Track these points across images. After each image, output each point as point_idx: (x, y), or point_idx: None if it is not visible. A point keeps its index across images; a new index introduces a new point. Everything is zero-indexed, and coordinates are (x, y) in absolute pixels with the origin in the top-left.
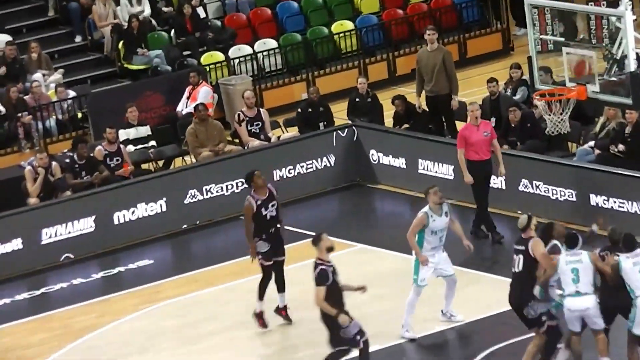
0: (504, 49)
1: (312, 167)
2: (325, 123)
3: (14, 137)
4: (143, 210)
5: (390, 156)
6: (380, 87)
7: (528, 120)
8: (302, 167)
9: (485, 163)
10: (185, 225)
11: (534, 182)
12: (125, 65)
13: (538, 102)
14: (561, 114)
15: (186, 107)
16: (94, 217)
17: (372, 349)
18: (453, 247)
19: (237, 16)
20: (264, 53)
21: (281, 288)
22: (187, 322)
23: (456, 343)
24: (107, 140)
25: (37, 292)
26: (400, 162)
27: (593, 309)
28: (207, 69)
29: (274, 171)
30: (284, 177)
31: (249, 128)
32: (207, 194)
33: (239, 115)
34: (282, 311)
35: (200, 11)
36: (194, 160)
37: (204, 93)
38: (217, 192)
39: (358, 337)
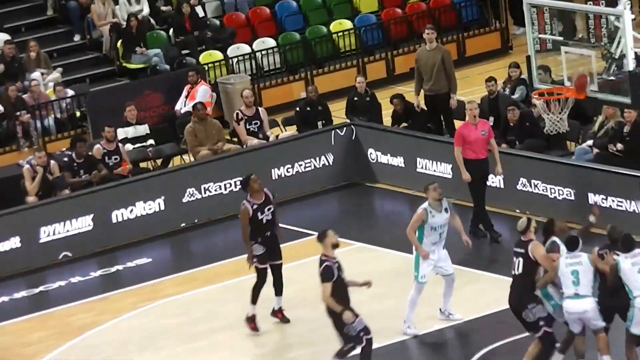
0: (502, 48)
1: (310, 166)
2: (323, 122)
3: (12, 136)
4: (141, 208)
5: (389, 155)
6: (379, 86)
7: (527, 120)
8: (300, 166)
9: (482, 162)
10: (183, 224)
11: (533, 181)
12: (124, 64)
13: (537, 101)
14: (560, 113)
15: (185, 106)
16: (92, 215)
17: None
18: (452, 246)
19: (236, 15)
20: (263, 52)
21: (279, 291)
22: (186, 321)
23: (455, 342)
24: (106, 139)
25: (36, 291)
26: (398, 161)
27: (591, 311)
28: (206, 68)
29: (273, 170)
30: (283, 176)
31: (248, 127)
32: (205, 193)
33: (237, 114)
34: (278, 313)
35: (199, 10)
36: (192, 159)
37: (202, 92)
38: (215, 190)
39: (362, 334)
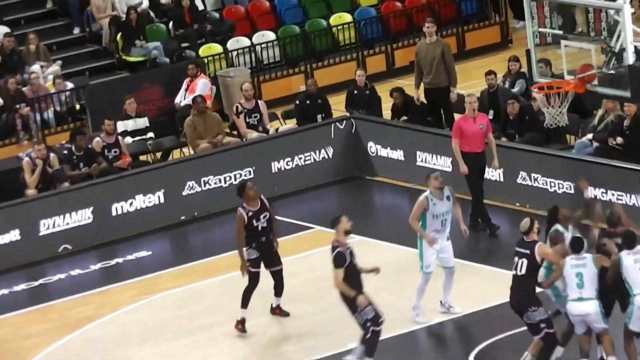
0: (502, 42)
1: (310, 160)
2: (323, 115)
3: (12, 129)
4: (141, 201)
5: (389, 148)
6: (379, 80)
7: (526, 113)
8: (300, 159)
9: (479, 155)
10: (183, 217)
11: (532, 174)
12: (124, 57)
13: (537, 95)
14: (560, 106)
15: (184, 99)
16: (91, 208)
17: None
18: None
19: (235, 8)
20: (262, 45)
21: (279, 293)
22: (186, 314)
23: (455, 335)
24: (105, 132)
25: (35, 283)
26: (398, 155)
27: (594, 314)
28: (206, 61)
29: (272, 163)
30: (282, 169)
31: (247, 120)
32: (205, 186)
33: (237, 107)
34: (276, 310)
35: (199, 3)
36: (192, 152)
37: (202, 85)
38: (215, 184)
39: (369, 324)
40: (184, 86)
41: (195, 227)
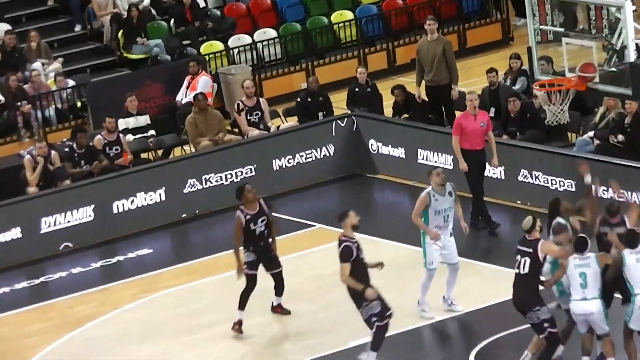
0: (503, 39)
1: (311, 157)
2: (324, 113)
3: (13, 126)
4: (142, 199)
5: (390, 146)
6: (380, 77)
7: (527, 111)
8: (301, 156)
9: (478, 153)
10: (184, 215)
11: (534, 172)
12: (125, 55)
13: (538, 92)
14: (561, 104)
15: (185, 96)
16: (93, 206)
17: (368, 338)
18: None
19: (236, 5)
20: (264, 43)
21: (279, 293)
22: (186, 312)
23: (456, 333)
24: (107, 130)
25: (36, 282)
26: (399, 152)
27: (597, 314)
28: (207, 59)
29: (273, 161)
30: (283, 166)
31: (249, 117)
32: (206, 184)
33: (238, 104)
34: (277, 309)
35: (200, 0)
36: (193, 149)
37: (203, 82)
38: (216, 181)
39: (373, 319)
40: (185, 84)
41: (197, 225)
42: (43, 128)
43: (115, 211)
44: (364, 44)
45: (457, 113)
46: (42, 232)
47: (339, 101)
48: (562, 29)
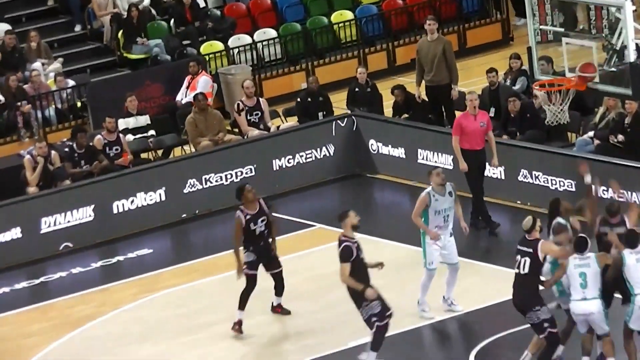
0: (503, 39)
1: (311, 157)
2: (324, 113)
3: (13, 126)
4: (142, 199)
5: (390, 146)
6: (380, 77)
7: (527, 111)
8: (301, 156)
9: (478, 153)
10: (184, 215)
11: (534, 172)
12: (125, 55)
13: (538, 92)
14: (561, 104)
15: (185, 96)
16: (93, 206)
17: (368, 338)
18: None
19: (236, 5)
20: (264, 43)
21: (279, 293)
22: (186, 312)
23: (456, 333)
24: (107, 130)
25: (36, 281)
26: (399, 152)
27: (597, 313)
28: (207, 59)
29: (273, 161)
30: (283, 166)
31: (249, 117)
32: (206, 184)
33: (238, 104)
34: (277, 309)
35: (200, 0)
36: (193, 149)
37: (203, 82)
38: (216, 181)
39: (373, 319)
40: (185, 84)
41: (196, 225)
42: (43, 128)
43: (115, 211)
44: (364, 44)
45: (457, 113)
46: (42, 232)
47: (339, 101)
48: (562, 29)
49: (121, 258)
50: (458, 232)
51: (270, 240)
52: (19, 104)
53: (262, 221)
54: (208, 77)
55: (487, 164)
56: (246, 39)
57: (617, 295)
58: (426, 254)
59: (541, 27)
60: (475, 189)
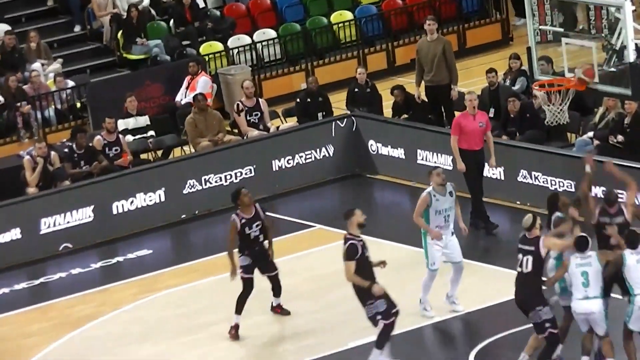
0: (503, 40)
1: (311, 158)
2: (324, 113)
3: (13, 127)
4: (142, 200)
5: (390, 146)
6: (380, 78)
7: (527, 111)
8: (301, 157)
9: (476, 153)
10: (184, 215)
11: (533, 172)
12: (125, 55)
13: (538, 93)
14: (560, 104)
15: (185, 96)
16: (92, 206)
17: (368, 338)
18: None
19: (236, 6)
20: (263, 43)
21: (277, 294)
22: (186, 312)
23: (456, 333)
24: (106, 130)
25: (36, 282)
26: (399, 153)
27: (598, 313)
28: (206, 59)
29: (273, 161)
30: (283, 167)
31: (248, 118)
32: (206, 184)
33: (238, 105)
34: (277, 309)
35: (200, 1)
36: (192, 150)
37: (203, 83)
38: (215, 182)
39: (378, 317)
40: (185, 84)
41: (196, 226)
42: (43, 128)
43: (114, 212)
44: (364, 44)
45: (457, 113)
46: (41, 232)
47: (338, 101)
48: (561, 29)
49: (121, 258)
50: (458, 233)
51: (265, 244)
52: (18, 104)
53: (257, 226)
54: (208, 77)
55: (485, 164)
56: (246, 39)
57: (618, 296)
58: (428, 255)
59: (541, 27)
60: (474, 189)
